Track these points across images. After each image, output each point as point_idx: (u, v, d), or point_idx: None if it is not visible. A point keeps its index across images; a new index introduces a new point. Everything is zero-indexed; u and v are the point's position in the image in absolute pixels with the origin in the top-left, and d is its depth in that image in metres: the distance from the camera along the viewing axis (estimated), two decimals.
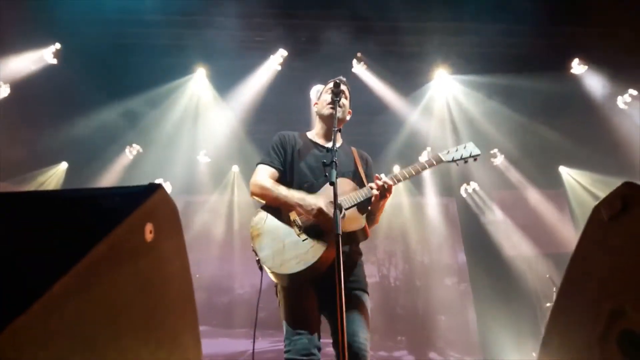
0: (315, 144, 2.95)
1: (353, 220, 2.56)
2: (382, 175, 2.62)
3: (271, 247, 2.55)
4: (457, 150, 2.83)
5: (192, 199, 8.45)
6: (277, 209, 2.68)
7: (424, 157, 8.09)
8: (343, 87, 2.93)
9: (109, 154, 7.69)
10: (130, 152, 7.89)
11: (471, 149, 2.81)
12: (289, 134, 3.00)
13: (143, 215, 1.03)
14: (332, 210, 2.37)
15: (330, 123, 2.86)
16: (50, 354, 0.65)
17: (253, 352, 2.61)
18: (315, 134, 3.04)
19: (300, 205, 2.58)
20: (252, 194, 2.77)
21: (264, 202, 2.74)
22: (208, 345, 7.23)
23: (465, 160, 2.80)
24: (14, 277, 0.76)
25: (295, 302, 2.54)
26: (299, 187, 2.70)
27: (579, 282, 1.22)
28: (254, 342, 2.66)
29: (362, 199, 2.61)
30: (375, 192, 2.57)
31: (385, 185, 2.58)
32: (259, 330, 2.65)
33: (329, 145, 2.45)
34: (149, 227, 1.04)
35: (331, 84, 2.85)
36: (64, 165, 7.79)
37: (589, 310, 1.16)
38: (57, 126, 6.85)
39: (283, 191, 2.66)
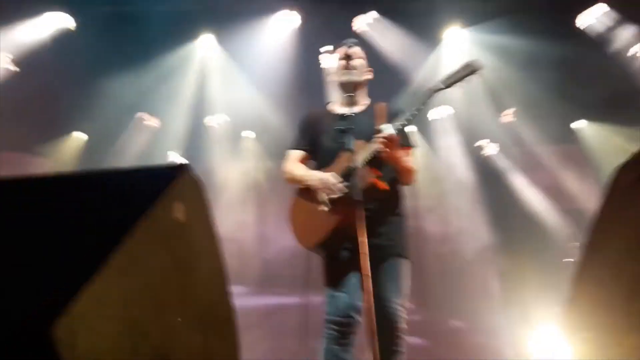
0: (336, 115, 2.88)
1: (362, 179, 2.55)
2: (385, 125, 2.55)
3: (302, 225, 2.71)
4: (454, 73, 2.64)
5: (203, 167, 8.49)
6: (309, 189, 2.74)
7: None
8: (353, 49, 2.88)
9: (123, 124, 7.71)
10: (146, 122, 7.89)
11: (471, 67, 2.60)
12: (314, 111, 3.07)
13: (173, 196, 1.06)
14: (340, 178, 2.46)
15: (346, 89, 2.81)
16: (103, 337, 0.69)
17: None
18: (337, 103, 3.01)
19: (308, 183, 2.70)
20: (286, 181, 2.92)
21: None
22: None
23: (466, 79, 2.61)
24: (60, 263, 0.80)
25: (331, 267, 2.65)
26: (324, 161, 2.74)
27: (601, 246, 1.24)
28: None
29: (369, 155, 2.56)
30: (381, 145, 2.49)
31: (386, 135, 2.49)
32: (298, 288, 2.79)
33: (351, 110, 2.46)
34: (179, 206, 1.08)
35: (342, 49, 2.81)
36: (77, 135, 7.81)
37: (612, 272, 1.18)
38: (69, 96, 6.89)
39: (298, 172, 2.82)
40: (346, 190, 2.43)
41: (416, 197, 8.17)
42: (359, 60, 2.91)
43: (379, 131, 2.50)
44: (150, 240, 0.97)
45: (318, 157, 2.85)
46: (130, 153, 7.92)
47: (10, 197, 1.02)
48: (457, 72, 2.63)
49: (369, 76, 2.99)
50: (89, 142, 7.83)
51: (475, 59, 2.66)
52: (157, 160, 7.97)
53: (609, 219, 1.23)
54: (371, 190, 2.53)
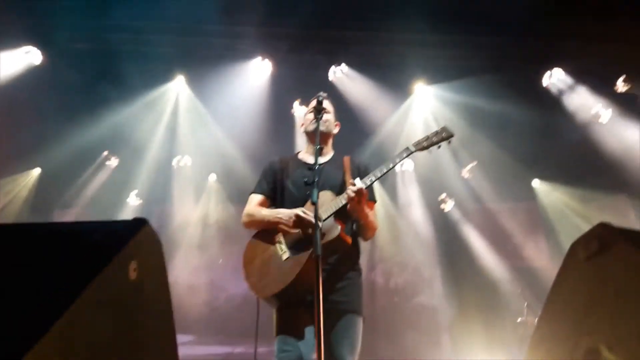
0: (303, 163, 2.91)
1: (328, 230, 2.52)
2: (357, 180, 2.57)
3: (258, 272, 2.59)
4: (427, 138, 2.72)
5: (166, 208, 8.35)
6: (267, 234, 2.68)
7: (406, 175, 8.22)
8: (324, 102, 2.96)
9: (85, 162, 7.55)
10: (107, 160, 7.78)
11: (443, 133, 2.68)
12: (280, 158, 3.02)
13: (128, 253, 1.03)
14: (310, 215, 2.45)
15: (315, 139, 2.82)
16: None
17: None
18: (304, 152, 3.04)
19: (279, 219, 2.60)
20: (244, 224, 2.81)
21: (255, 231, 2.77)
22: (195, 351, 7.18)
23: (438, 145, 2.69)
24: (12, 316, 0.77)
25: (284, 323, 2.55)
26: (287, 208, 2.68)
27: (557, 317, 1.26)
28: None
29: (338, 207, 2.56)
30: (351, 195, 2.48)
31: (357, 189, 2.48)
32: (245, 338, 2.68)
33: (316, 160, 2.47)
34: (133, 265, 1.04)
35: (313, 102, 2.85)
36: (37, 171, 7.59)
37: (567, 345, 1.19)
38: (32, 130, 6.72)
39: (264, 212, 2.72)
40: (314, 223, 2.36)
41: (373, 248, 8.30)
42: (329, 113, 3.00)
43: (352, 184, 2.53)
44: (103, 300, 0.93)
45: (279, 204, 2.80)
46: (91, 190, 7.76)
47: None
48: (431, 137, 2.71)
49: (337, 129, 3.08)
50: (46, 177, 7.60)
51: (448, 126, 2.74)
52: (116, 199, 7.81)
53: (564, 292, 1.25)
54: (335, 242, 2.52)
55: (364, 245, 2.93)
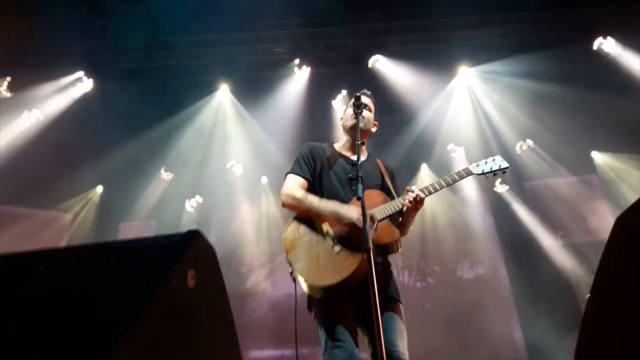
0: (343, 156, 2.97)
1: (387, 233, 2.59)
2: (414, 187, 2.65)
3: (305, 258, 2.58)
4: (486, 163, 2.89)
5: (225, 212, 8.61)
6: (309, 219, 2.70)
7: (455, 161, 8.08)
8: (366, 99, 3.01)
9: (143, 178, 7.94)
10: (165, 174, 8.14)
11: (499, 162, 2.88)
12: (317, 145, 3.02)
13: (185, 263, 1.12)
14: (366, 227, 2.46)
15: (354, 135, 2.87)
16: None
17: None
18: (342, 146, 3.07)
19: (335, 216, 2.62)
20: (284, 204, 2.78)
21: (295, 212, 2.76)
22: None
23: (494, 173, 2.86)
24: (79, 335, 0.86)
25: (333, 314, 2.54)
26: (329, 199, 2.71)
27: (606, 296, 1.24)
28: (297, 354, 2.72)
29: (395, 211, 2.63)
30: (408, 204, 2.59)
31: (418, 198, 2.61)
32: (286, 343, 2.73)
33: (355, 158, 2.51)
34: (191, 273, 1.13)
35: (355, 97, 2.88)
36: (99, 189, 8.07)
37: (618, 323, 1.18)
38: (92, 156, 7.14)
39: (315, 201, 2.68)
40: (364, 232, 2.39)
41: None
42: (370, 112, 3.05)
43: (410, 191, 2.64)
44: (167, 308, 1.02)
45: (319, 191, 2.81)
46: (151, 202, 8.14)
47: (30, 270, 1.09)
48: (490, 165, 2.87)
49: (375, 128, 3.12)
50: (108, 196, 8.08)
51: (505, 160, 2.90)
52: (175, 207, 8.14)
53: (612, 269, 1.24)
54: (394, 245, 2.63)
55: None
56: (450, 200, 8.46)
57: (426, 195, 2.66)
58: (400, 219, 2.73)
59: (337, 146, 3.09)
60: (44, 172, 6.40)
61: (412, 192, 2.62)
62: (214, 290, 1.24)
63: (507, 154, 8.01)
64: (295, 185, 2.78)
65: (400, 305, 2.68)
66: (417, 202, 2.61)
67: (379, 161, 3.03)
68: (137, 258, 1.11)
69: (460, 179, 2.79)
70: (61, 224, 7.39)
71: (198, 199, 8.29)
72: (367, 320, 2.43)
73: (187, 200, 8.25)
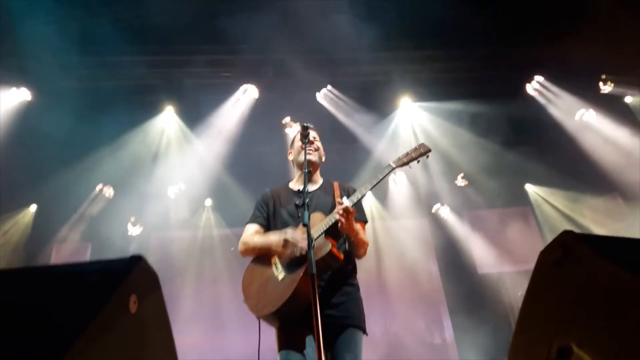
0: (293, 191, 3.05)
1: (319, 248, 2.59)
2: (344, 199, 2.68)
3: (256, 294, 2.65)
4: (407, 154, 2.87)
5: (166, 235, 8.37)
6: (263, 259, 2.78)
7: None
8: (313, 133, 3.10)
9: (80, 197, 7.61)
10: (102, 193, 7.84)
11: (421, 149, 2.86)
12: (272, 189, 3.14)
13: (127, 289, 1.10)
14: (297, 237, 2.57)
15: (305, 168, 2.91)
16: None
17: None
18: (296, 181, 3.17)
19: (270, 244, 2.71)
20: (240, 252, 2.90)
21: (251, 257, 2.87)
22: None
23: (417, 160, 2.84)
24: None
25: (285, 341, 2.57)
26: None
27: (531, 321, 1.34)
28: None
29: (328, 226, 2.66)
30: (337, 216, 2.59)
31: (345, 207, 2.59)
32: None
33: (307, 188, 2.56)
34: (133, 298, 1.12)
35: (303, 131, 2.93)
36: (33, 208, 7.64)
37: (542, 348, 1.27)
38: (26, 167, 6.78)
39: (256, 239, 2.82)
40: (304, 246, 2.44)
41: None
42: (318, 143, 3.15)
43: (339, 203, 2.64)
44: (106, 334, 1.00)
45: (274, 230, 2.88)
46: (87, 222, 7.79)
47: None
48: (410, 152, 2.86)
49: (324, 158, 3.22)
50: (43, 213, 7.65)
51: (424, 142, 2.92)
52: (115, 228, 7.83)
53: (536, 296, 1.34)
54: (327, 258, 2.58)
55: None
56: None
57: (354, 203, 2.66)
58: (341, 232, 2.72)
59: (292, 183, 3.18)
60: None
61: (342, 203, 2.63)
62: (156, 315, 1.23)
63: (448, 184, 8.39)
64: (247, 233, 2.92)
65: (358, 332, 2.64)
66: (347, 212, 2.59)
67: (335, 184, 3.06)
68: (78, 283, 1.09)
69: (383, 177, 2.78)
70: None
71: (138, 220, 8.01)
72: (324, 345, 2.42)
73: (128, 222, 7.96)
